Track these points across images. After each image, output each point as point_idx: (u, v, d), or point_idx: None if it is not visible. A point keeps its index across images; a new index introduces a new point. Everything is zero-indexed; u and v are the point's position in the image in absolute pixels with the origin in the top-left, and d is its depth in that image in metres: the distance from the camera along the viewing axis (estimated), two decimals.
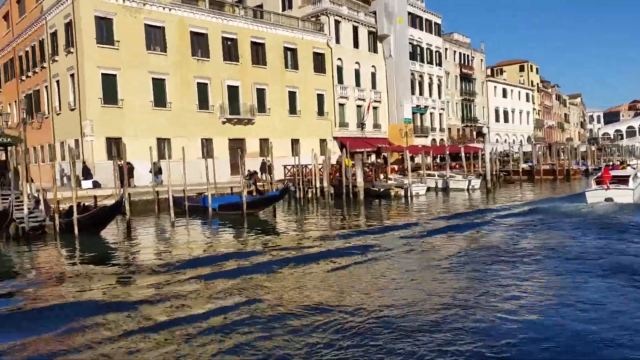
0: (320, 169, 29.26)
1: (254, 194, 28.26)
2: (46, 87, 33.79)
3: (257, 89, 36.97)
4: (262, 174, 32.31)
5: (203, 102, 34.05)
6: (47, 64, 33.11)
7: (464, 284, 10.12)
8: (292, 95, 39.45)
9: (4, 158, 21.83)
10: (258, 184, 30.62)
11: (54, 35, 32.08)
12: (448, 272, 11.18)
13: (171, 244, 16.76)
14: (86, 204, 19.53)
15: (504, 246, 13.81)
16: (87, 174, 27.21)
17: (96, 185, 26.55)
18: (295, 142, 39.01)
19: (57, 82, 32.24)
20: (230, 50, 35.69)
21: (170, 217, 19.34)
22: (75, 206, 16.72)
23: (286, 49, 39.12)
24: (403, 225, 18.57)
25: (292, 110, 39.52)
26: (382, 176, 33.71)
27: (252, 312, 8.64)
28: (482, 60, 66.90)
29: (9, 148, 22.14)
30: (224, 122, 35.01)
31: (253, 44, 36.86)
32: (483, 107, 66.67)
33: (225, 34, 35.31)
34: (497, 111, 69.94)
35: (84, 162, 28.26)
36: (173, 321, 8.24)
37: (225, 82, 35.18)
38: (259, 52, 37.29)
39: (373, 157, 46.75)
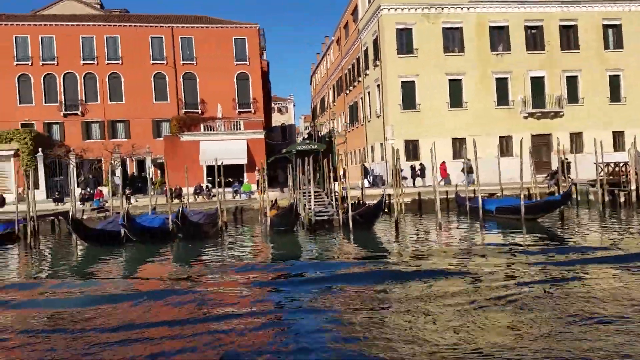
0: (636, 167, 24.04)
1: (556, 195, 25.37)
2: (361, 98, 38.58)
3: (566, 77, 32.99)
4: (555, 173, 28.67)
5: (502, 98, 32.61)
6: (362, 78, 37.81)
7: None
8: (614, 80, 33.50)
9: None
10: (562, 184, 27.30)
11: (366, 52, 36.38)
12: None
13: (429, 243, 17.19)
14: (366, 202, 21.59)
15: None
16: (366, 173, 29.96)
17: (375, 183, 28.96)
18: (618, 135, 33.04)
19: (369, 93, 36.43)
20: (534, 39, 33.00)
21: (437, 218, 19.45)
22: (349, 204, 18.91)
23: (606, 26, 33.45)
24: None
25: (615, 97, 33.53)
26: None
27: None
28: None
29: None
30: (525, 117, 32.65)
31: (562, 27, 33.02)
32: None
33: (529, 23, 32.82)
34: None
35: (363, 163, 31.16)
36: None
37: (528, 73, 32.72)
38: (569, 36, 33.16)
39: None
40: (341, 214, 19.89)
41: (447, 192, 27.02)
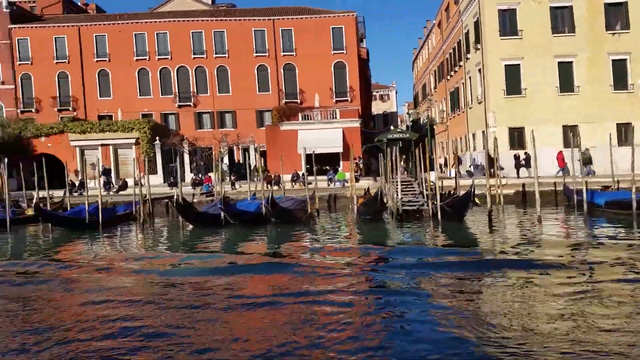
0: None
1: None
2: (462, 83, 37.25)
3: None
4: None
5: (619, 81, 29.69)
6: (462, 62, 36.49)
7: None
8: None
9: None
10: None
11: (467, 35, 35.00)
12: None
13: (524, 236, 16.43)
14: (454, 192, 21.06)
15: None
16: (459, 162, 28.95)
17: (471, 173, 27.87)
18: None
19: (470, 78, 35.09)
20: None
21: (537, 210, 18.35)
22: (438, 194, 18.57)
23: None
24: None
25: None
26: None
27: None
28: None
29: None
30: None
31: None
32: None
33: None
34: None
35: (455, 153, 30.05)
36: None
37: None
38: None
39: None
40: (430, 204, 19.61)
41: (554, 183, 25.38)
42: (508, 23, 30.53)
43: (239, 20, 40.71)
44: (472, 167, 32.75)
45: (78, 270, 13.26)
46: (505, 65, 30.46)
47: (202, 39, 40.80)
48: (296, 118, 36.34)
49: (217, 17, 41.49)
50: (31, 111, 40.92)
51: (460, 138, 38.73)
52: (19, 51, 40.99)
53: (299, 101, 39.72)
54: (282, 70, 40.10)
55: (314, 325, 7.74)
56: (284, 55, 39.98)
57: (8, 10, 41.01)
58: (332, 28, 39.40)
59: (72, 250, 17.95)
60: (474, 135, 34.63)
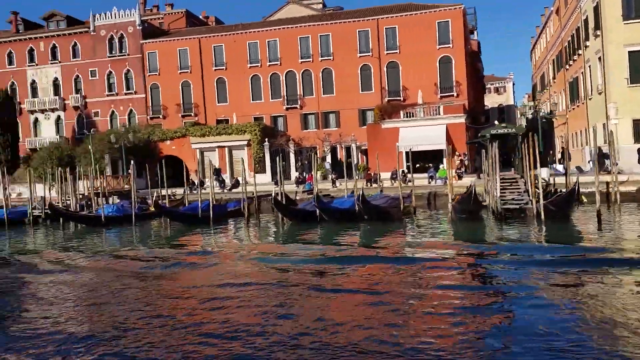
0: None
1: None
2: (582, 73, 34.33)
3: None
4: None
5: None
6: (582, 50, 33.61)
7: None
8: None
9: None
10: None
11: (585, 21, 32.19)
12: None
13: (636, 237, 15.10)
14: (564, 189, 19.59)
15: None
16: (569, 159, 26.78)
17: (580, 170, 25.59)
18: None
19: (589, 67, 32.25)
20: None
21: None
22: (541, 191, 17.46)
23: None
24: None
25: None
26: None
27: None
28: None
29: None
30: None
31: None
32: None
33: None
34: None
35: (563, 147, 27.61)
36: None
37: None
38: None
39: None
40: (534, 203, 18.51)
41: None
42: (633, 5, 27.62)
43: (344, 22, 41.42)
44: (590, 162, 30.26)
45: (191, 257, 15.16)
46: (629, 52, 27.64)
47: (309, 44, 42.14)
48: (398, 116, 36.12)
49: (323, 21, 42.62)
50: (159, 117, 45.42)
51: (580, 131, 35.76)
52: (148, 63, 45.73)
53: (401, 99, 39.39)
54: (385, 69, 40.06)
55: (415, 318, 8.08)
56: (387, 53, 39.91)
57: (140, 28, 45.92)
58: (438, 22, 38.46)
59: (185, 241, 20.02)
60: (594, 128, 31.78)
